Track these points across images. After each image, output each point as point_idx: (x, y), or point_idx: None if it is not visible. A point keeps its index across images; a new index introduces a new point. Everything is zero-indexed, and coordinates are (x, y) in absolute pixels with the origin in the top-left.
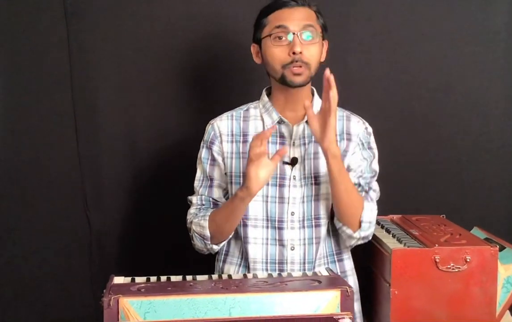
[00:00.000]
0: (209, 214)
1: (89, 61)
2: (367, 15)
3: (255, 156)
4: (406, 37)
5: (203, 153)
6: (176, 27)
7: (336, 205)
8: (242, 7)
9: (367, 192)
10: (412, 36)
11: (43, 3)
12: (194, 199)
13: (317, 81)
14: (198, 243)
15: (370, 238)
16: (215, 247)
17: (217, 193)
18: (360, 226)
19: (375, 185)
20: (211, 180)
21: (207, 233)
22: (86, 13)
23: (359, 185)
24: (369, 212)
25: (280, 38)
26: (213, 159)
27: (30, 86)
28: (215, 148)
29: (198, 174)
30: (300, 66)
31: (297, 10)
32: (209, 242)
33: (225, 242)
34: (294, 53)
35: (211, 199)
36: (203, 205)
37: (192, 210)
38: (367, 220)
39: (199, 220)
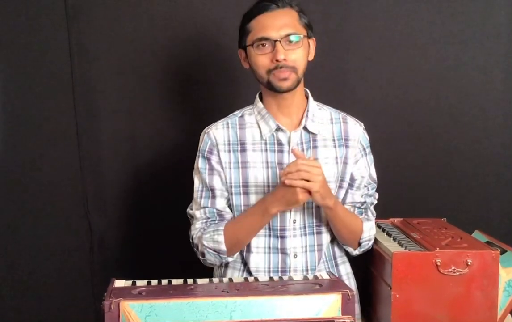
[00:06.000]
0: (223, 228)
1: (91, 63)
2: (366, 17)
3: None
4: (405, 40)
5: (200, 163)
6: (178, 29)
7: (334, 233)
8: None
9: (368, 208)
10: (412, 38)
11: (44, 4)
12: (197, 213)
13: (311, 80)
14: (211, 258)
15: (370, 248)
16: (230, 259)
17: (220, 203)
18: (360, 245)
19: (376, 198)
20: (212, 190)
21: (224, 247)
22: (87, 14)
23: (364, 202)
24: (368, 231)
25: (263, 45)
26: (212, 169)
27: (31, 88)
28: (214, 158)
29: (197, 184)
30: (285, 71)
31: (279, 14)
32: (225, 256)
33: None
34: (277, 60)
35: (215, 210)
36: (209, 218)
37: (197, 225)
38: (366, 239)
39: (211, 236)
